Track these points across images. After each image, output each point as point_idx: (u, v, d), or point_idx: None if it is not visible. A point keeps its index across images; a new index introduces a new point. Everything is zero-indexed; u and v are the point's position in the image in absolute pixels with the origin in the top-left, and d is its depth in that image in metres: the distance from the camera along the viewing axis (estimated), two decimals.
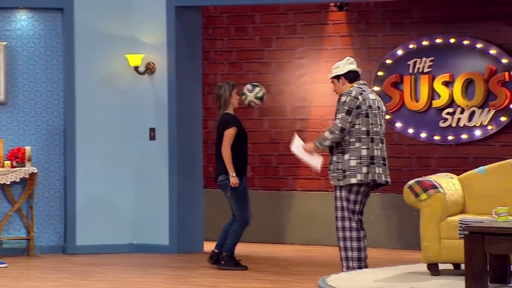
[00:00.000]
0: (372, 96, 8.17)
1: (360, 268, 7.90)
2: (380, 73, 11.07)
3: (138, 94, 10.73)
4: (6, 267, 9.57)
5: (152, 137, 10.71)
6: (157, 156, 10.69)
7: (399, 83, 11.02)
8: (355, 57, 11.25)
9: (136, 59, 10.64)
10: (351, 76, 8.14)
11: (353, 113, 7.90)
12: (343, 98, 7.96)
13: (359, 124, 7.92)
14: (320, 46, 11.44)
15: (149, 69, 10.71)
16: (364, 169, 7.90)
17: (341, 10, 11.24)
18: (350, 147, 7.91)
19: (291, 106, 11.60)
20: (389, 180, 8.08)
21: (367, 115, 7.95)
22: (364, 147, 7.94)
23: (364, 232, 8.04)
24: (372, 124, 7.97)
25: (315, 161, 8.24)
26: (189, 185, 10.74)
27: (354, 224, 7.97)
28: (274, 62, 11.68)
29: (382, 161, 7.98)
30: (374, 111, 8.04)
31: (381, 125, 8.10)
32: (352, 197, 7.92)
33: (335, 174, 7.97)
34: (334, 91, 8.27)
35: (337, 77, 8.15)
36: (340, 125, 7.89)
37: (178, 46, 10.68)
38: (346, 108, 7.91)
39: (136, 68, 10.66)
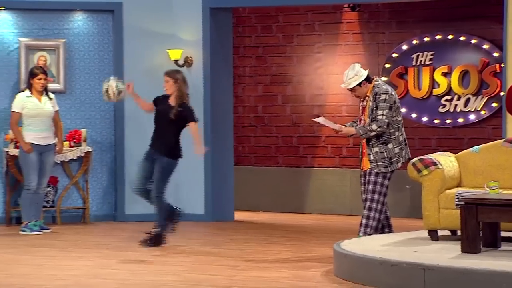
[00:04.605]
0: None
1: (372, 235, 7.84)
2: (387, 65, 11.01)
3: None
4: (51, 232, 9.54)
5: None
6: None
7: (404, 74, 10.93)
8: (365, 52, 11.23)
9: (176, 54, 10.56)
10: (368, 77, 8.02)
11: (393, 108, 7.83)
12: (383, 96, 7.83)
13: (395, 116, 7.85)
14: (335, 42, 11.36)
15: (187, 62, 10.64)
16: (403, 153, 7.88)
17: (354, 10, 11.19)
18: (392, 137, 7.86)
19: (310, 94, 11.53)
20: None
21: (398, 107, 7.91)
22: (400, 134, 7.92)
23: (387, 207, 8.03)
24: (400, 113, 7.94)
25: (334, 125, 8.11)
26: (221, 162, 10.67)
27: (382, 205, 7.90)
28: (295, 56, 11.60)
29: (405, 143, 7.99)
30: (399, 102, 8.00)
31: None
32: (386, 182, 7.86)
33: (380, 163, 7.85)
34: (357, 96, 8.04)
35: (359, 83, 7.97)
36: (386, 120, 7.80)
37: (212, 42, 10.60)
38: (388, 105, 7.81)
39: (176, 61, 10.59)
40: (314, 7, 11.34)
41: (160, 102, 8.63)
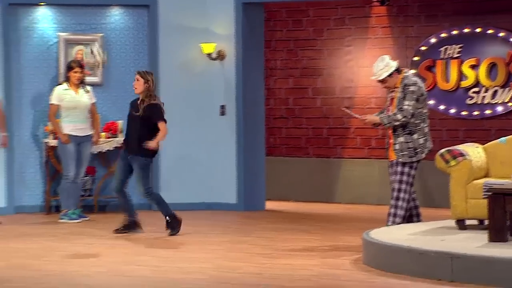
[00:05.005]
0: None
1: (400, 224, 7.78)
2: (416, 58, 10.91)
3: (210, 76, 10.63)
4: (89, 220, 9.57)
5: (222, 113, 10.63)
6: (226, 129, 10.59)
7: (432, 67, 10.82)
8: (394, 45, 11.13)
9: (209, 47, 10.54)
10: (397, 68, 7.94)
11: (420, 100, 7.76)
12: (411, 88, 7.76)
13: (422, 107, 7.78)
14: (364, 36, 11.28)
15: (220, 55, 10.60)
16: (427, 144, 7.80)
17: (383, 4, 11.10)
18: (417, 128, 7.80)
19: (340, 87, 11.46)
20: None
21: (425, 99, 7.83)
22: (425, 125, 7.85)
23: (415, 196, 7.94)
24: (426, 105, 7.86)
25: (359, 116, 8.04)
26: (253, 153, 10.64)
27: (409, 195, 7.82)
28: (325, 50, 11.53)
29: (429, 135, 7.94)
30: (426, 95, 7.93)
31: None
32: (413, 172, 7.80)
33: (405, 153, 7.79)
34: (386, 87, 7.96)
35: (389, 74, 7.89)
36: (411, 111, 7.73)
37: (244, 36, 10.56)
38: (415, 96, 7.75)
39: (209, 54, 10.56)
40: (344, 2, 11.27)
41: (131, 105, 8.61)
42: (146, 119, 8.39)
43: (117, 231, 8.60)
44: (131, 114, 8.56)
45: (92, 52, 8.45)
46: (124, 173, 8.54)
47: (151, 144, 8.39)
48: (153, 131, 8.42)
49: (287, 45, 11.74)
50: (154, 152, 8.51)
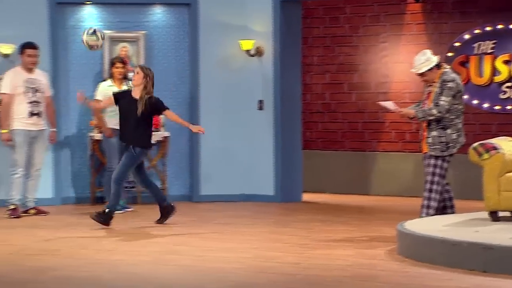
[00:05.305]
0: None
1: (434, 215, 7.76)
2: (450, 54, 10.85)
3: (249, 72, 10.66)
4: (132, 211, 9.65)
5: (260, 107, 10.65)
6: (264, 123, 10.62)
7: (465, 62, 10.77)
8: (428, 41, 11.06)
9: (248, 44, 10.56)
10: (437, 63, 7.90)
11: (456, 97, 7.72)
12: (450, 84, 7.72)
13: (457, 103, 7.74)
14: (399, 32, 11.23)
15: (258, 52, 10.63)
16: (460, 139, 7.77)
17: (418, 1, 11.07)
18: (451, 123, 7.76)
19: (375, 82, 11.43)
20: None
21: (461, 95, 7.79)
22: (459, 121, 7.80)
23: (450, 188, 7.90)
24: (462, 101, 7.82)
25: (393, 106, 7.99)
26: (290, 146, 10.66)
27: (441, 186, 7.79)
28: (361, 46, 11.51)
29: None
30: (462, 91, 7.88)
31: None
32: (445, 165, 7.76)
33: (437, 147, 7.75)
34: (425, 81, 7.91)
35: (429, 68, 7.85)
36: (447, 107, 7.69)
37: (282, 33, 10.57)
38: (452, 93, 7.71)
39: (247, 51, 10.59)
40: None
41: (121, 97, 8.55)
42: (147, 114, 8.39)
43: (159, 221, 8.65)
44: (125, 107, 8.44)
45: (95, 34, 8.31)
46: (136, 167, 8.51)
47: (196, 128, 8.50)
48: (150, 123, 8.48)
49: (323, 42, 11.73)
50: (151, 145, 8.53)
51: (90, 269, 6.48)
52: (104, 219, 8.41)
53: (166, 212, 8.69)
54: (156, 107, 8.45)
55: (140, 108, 8.35)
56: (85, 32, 8.68)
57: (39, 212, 9.43)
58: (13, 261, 6.86)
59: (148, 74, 8.46)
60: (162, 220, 8.68)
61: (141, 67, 8.59)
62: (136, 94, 8.46)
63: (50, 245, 7.52)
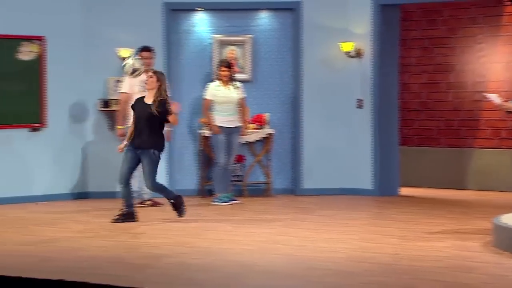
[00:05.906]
0: None
1: None
2: None
3: (349, 73, 10.66)
4: (239, 203, 9.77)
5: (360, 106, 10.64)
6: (363, 121, 10.60)
7: None
8: None
9: (348, 46, 10.56)
10: None
11: None
12: None
13: None
14: (496, 33, 11.01)
15: (358, 53, 10.61)
16: None
17: None
18: None
19: (472, 81, 11.25)
20: None
21: None
22: None
23: None
24: None
25: (497, 99, 7.82)
26: (387, 142, 10.60)
27: None
28: (458, 47, 11.35)
29: None
30: None
31: None
32: None
33: None
34: None
35: None
36: None
37: (381, 35, 10.52)
38: None
39: (348, 52, 10.59)
40: (477, 2, 11.04)
41: (136, 106, 8.47)
42: (159, 117, 8.30)
43: (116, 220, 8.30)
44: (139, 112, 8.38)
45: (125, 66, 8.59)
46: (132, 165, 8.37)
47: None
48: (162, 126, 8.40)
49: (421, 43, 11.63)
50: (164, 146, 8.43)
51: (200, 257, 6.63)
52: (129, 217, 8.28)
53: (127, 215, 8.36)
54: (166, 108, 8.30)
55: (153, 109, 8.26)
56: (132, 57, 8.84)
57: (154, 204, 9.71)
58: (131, 247, 7.12)
59: (161, 79, 8.36)
60: (119, 219, 8.32)
61: (155, 72, 8.51)
62: (149, 98, 8.39)
63: (163, 234, 7.74)
